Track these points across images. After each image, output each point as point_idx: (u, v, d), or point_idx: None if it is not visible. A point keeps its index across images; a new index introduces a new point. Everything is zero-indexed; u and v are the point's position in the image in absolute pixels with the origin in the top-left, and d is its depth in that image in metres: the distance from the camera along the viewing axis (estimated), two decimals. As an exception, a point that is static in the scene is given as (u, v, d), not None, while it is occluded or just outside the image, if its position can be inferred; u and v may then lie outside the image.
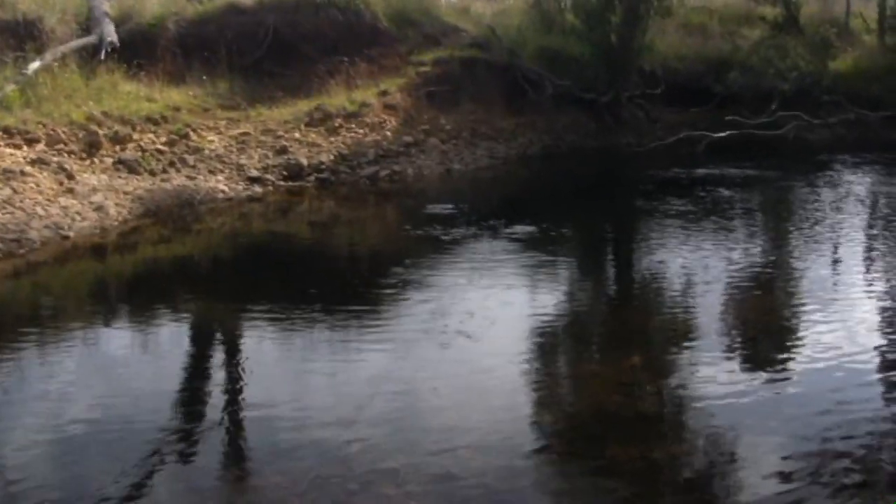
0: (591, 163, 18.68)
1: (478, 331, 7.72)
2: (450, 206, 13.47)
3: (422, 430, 5.75)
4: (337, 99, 17.19)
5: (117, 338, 8.07)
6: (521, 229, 11.74)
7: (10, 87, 14.45)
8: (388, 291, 9.23)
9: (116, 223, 11.79)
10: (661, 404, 6.30)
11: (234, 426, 6.11)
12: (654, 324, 8.24)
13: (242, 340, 8.10)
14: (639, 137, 20.25)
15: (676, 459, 5.43)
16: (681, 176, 16.41)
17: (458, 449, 5.42)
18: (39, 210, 11.37)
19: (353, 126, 16.65)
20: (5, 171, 12.06)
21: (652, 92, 21.51)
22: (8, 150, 12.91)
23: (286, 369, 7.09)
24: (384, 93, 17.80)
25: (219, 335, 8.42)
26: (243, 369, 7.19)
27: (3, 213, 10.96)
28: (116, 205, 12.20)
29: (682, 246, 11.10)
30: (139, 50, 17.02)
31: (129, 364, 7.38)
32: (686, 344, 7.42)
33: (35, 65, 15.16)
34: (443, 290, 9.06)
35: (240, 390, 6.74)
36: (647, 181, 16.31)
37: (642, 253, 11.38)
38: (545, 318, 8.18)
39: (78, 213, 11.64)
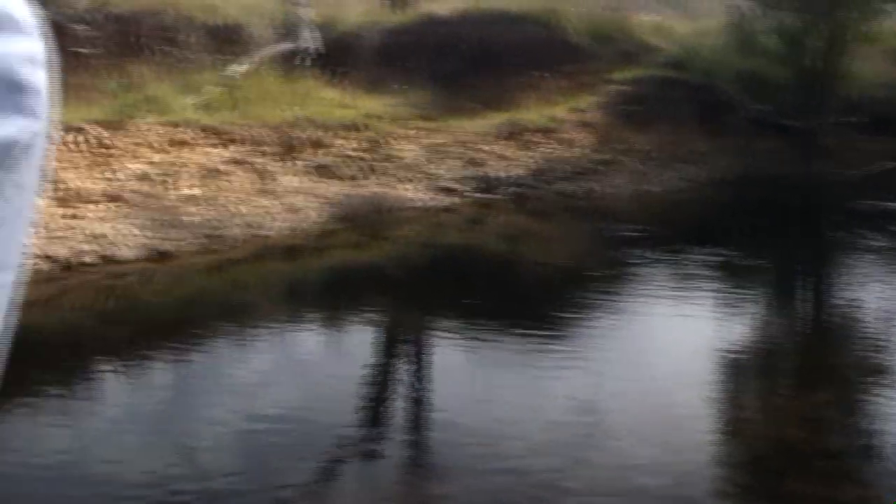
0: (788, 190, 18.02)
1: (663, 356, 7.58)
2: (640, 227, 13.16)
3: (601, 451, 5.71)
4: (531, 113, 17.07)
5: (307, 337, 8.27)
6: (713, 256, 11.39)
7: (215, 90, 14.89)
8: (575, 311, 9.15)
9: (310, 225, 11.95)
10: (846, 442, 6.07)
11: (415, 434, 6.15)
12: (847, 361, 7.95)
13: (428, 350, 8.18)
14: (839, 166, 19.41)
15: (860, 500, 5.24)
16: (885, 208, 15.66)
17: (637, 473, 5.34)
18: (238, 209, 11.61)
19: (547, 141, 16.49)
20: (209, 169, 12.39)
21: (854, 120, 20.63)
22: (211, 150, 13.27)
23: (469, 381, 7.12)
24: (579, 109, 17.59)
25: (405, 342, 8.52)
26: (427, 378, 7.28)
27: (203, 210, 11.23)
28: (311, 207, 12.38)
29: (883, 283, 10.56)
30: (339, 57, 17.28)
31: (317, 364, 7.52)
32: (878, 383, 7.09)
33: (239, 68, 15.61)
34: (630, 313, 8.92)
35: (422, 398, 6.82)
36: (846, 212, 15.62)
37: (839, 287, 10.91)
38: (734, 348, 7.92)
39: (274, 213, 11.85)
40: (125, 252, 9.80)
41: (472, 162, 15.23)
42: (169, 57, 15.75)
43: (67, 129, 12.46)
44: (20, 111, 0.48)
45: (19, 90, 0.48)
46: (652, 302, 9.27)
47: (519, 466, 5.39)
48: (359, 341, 8.18)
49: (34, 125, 0.49)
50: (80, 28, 14.72)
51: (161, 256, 10.03)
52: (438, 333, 8.44)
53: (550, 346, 7.76)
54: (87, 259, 9.50)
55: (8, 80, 0.47)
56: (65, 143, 12.10)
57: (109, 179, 11.44)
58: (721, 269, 10.88)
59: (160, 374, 7.15)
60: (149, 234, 10.35)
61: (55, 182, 11.33)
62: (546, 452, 5.57)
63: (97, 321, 8.54)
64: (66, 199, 10.81)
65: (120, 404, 6.55)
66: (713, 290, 10.01)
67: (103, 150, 12.06)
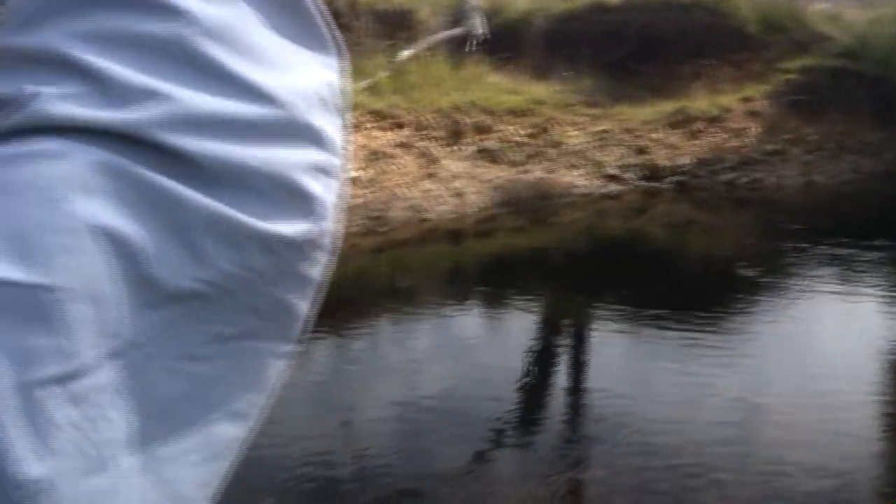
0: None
1: (828, 355, 7.39)
2: (808, 219, 12.89)
3: (753, 445, 5.66)
4: (699, 102, 16.84)
5: (468, 321, 8.35)
6: (882, 251, 11.04)
7: (382, 74, 15.17)
8: (738, 305, 8.97)
9: (474, 210, 12.08)
10: None
11: (573, 417, 6.17)
12: None
13: (589, 335, 8.22)
14: None
15: None
16: None
17: (788, 470, 5.27)
18: (402, 192, 11.81)
19: (715, 130, 16.25)
20: (373, 152, 12.63)
21: None
22: (376, 133, 13.53)
23: (626, 373, 7.07)
24: (747, 98, 17.25)
25: (567, 328, 8.56)
26: (585, 367, 7.30)
27: (368, 192, 11.46)
28: (475, 192, 12.49)
29: None
30: (505, 43, 17.37)
31: (477, 346, 7.59)
32: None
33: (406, 53, 15.86)
34: (795, 309, 8.66)
35: (582, 384, 6.86)
36: None
37: None
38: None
39: (438, 197, 12.00)
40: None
41: (638, 150, 15.14)
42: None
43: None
44: (302, 216, 0.49)
45: (302, 197, 0.49)
46: (818, 297, 9.05)
47: (671, 459, 5.38)
48: (518, 327, 8.25)
49: (316, 227, 0.50)
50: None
51: (325, 237, 10.32)
52: (598, 322, 8.45)
53: (711, 340, 7.66)
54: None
55: (289, 187, 0.48)
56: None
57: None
58: (891, 264, 10.55)
59: (320, 353, 7.33)
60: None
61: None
62: (700, 447, 5.54)
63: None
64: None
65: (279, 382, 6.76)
66: (881, 287, 9.72)
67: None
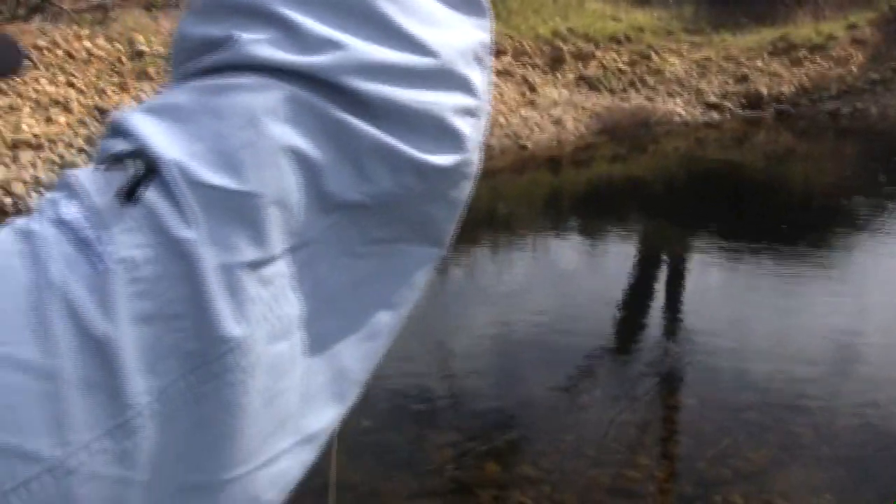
0: None
1: None
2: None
3: (848, 378, 5.69)
4: (803, 29, 16.58)
5: (566, 249, 8.41)
6: None
7: (483, 0, 15.18)
8: (838, 236, 8.94)
9: (573, 138, 12.15)
10: None
11: (666, 347, 6.25)
12: None
13: (687, 266, 8.24)
14: None
15: None
16: None
17: (879, 401, 5.28)
18: (501, 119, 11.92)
19: (818, 58, 16.02)
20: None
21: None
22: (479, 60, 13.63)
23: (727, 310, 7.03)
24: (853, 26, 16.92)
25: (665, 258, 8.55)
26: (684, 295, 7.31)
27: (469, 120, 11.62)
28: (574, 120, 12.57)
29: None
30: (606, -31, 17.24)
31: (574, 275, 7.70)
32: None
33: (508, -21, 15.82)
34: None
35: (677, 314, 6.90)
36: None
37: None
38: None
39: (537, 124, 12.11)
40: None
41: (739, 78, 15.02)
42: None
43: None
44: (451, 149, 0.58)
45: (453, 134, 0.58)
46: None
47: (764, 386, 5.45)
48: (615, 254, 8.35)
49: (463, 159, 0.60)
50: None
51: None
52: (696, 252, 8.51)
53: (814, 280, 7.64)
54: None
55: (442, 125, 0.57)
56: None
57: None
58: None
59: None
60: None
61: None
62: (791, 378, 5.59)
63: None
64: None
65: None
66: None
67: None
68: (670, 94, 14.17)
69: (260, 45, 0.54)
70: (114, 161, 0.51)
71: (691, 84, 14.65)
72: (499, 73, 13.31)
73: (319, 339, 0.55)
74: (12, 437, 0.43)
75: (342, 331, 0.57)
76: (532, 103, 12.79)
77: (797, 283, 7.46)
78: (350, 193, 0.55)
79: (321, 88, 0.54)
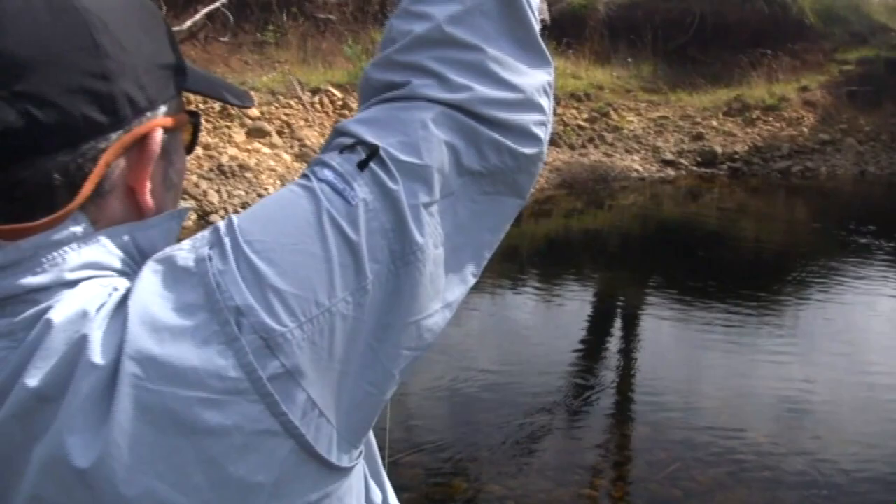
0: None
1: (869, 347, 7.50)
2: (861, 209, 13.18)
3: (790, 413, 5.95)
4: (757, 91, 17.13)
5: (522, 299, 8.56)
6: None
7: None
8: (789, 295, 9.08)
9: (532, 190, 12.40)
10: None
11: (620, 386, 6.45)
12: None
13: (641, 320, 8.32)
14: None
15: None
16: None
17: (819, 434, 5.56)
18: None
19: (771, 119, 16.55)
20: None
21: None
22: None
23: (678, 354, 7.27)
24: (804, 88, 17.51)
25: (619, 311, 8.67)
26: (638, 348, 7.46)
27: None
28: (535, 173, 12.85)
29: None
30: (568, 28, 17.65)
31: (530, 325, 7.85)
32: None
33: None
34: (846, 300, 8.75)
35: (630, 367, 6.98)
36: None
37: None
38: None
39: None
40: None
41: (695, 136, 15.49)
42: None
43: (312, 91, 13.35)
44: (533, 145, 1.01)
45: (533, 136, 1.00)
46: (868, 289, 9.14)
47: (712, 419, 5.73)
48: (572, 308, 8.47)
49: (538, 152, 1.02)
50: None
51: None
52: (653, 304, 8.64)
53: (762, 329, 7.82)
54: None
55: (528, 131, 1.00)
56: (309, 104, 12.98)
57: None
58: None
59: None
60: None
61: (299, 139, 12.19)
62: (737, 413, 5.85)
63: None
64: (304, 154, 11.71)
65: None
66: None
67: (344, 111, 12.97)
68: (628, 151, 14.61)
69: (426, 87, 0.96)
70: (348, 148, 0.93)
71: (648, 141, 15.11)
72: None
73: (456, 246, 0.96)
74: (309, 292, 0.85)
75: (467, 243, 0.98)
76: (494, 156, 13.08)
77: (745, 332, 7.66)
78: (475, 166, 0.96)
79: (461, 111, 0.95)
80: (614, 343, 7.54)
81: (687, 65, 17.75)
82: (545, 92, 1.02)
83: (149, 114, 0.94)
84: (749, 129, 16.16)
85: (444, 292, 0.96)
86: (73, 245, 0.88)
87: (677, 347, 7.44)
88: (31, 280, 0.86)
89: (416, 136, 0.93)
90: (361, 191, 0.89)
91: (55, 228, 0.87)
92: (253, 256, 0.85)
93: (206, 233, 0.89)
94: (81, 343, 0.82)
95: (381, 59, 1.01)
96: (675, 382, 6.47)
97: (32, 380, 0.82)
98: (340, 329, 0.86)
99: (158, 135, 0.95)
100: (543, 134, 1.01)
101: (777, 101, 16.91)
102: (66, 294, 0.86)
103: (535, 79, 1.01)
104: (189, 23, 13.55)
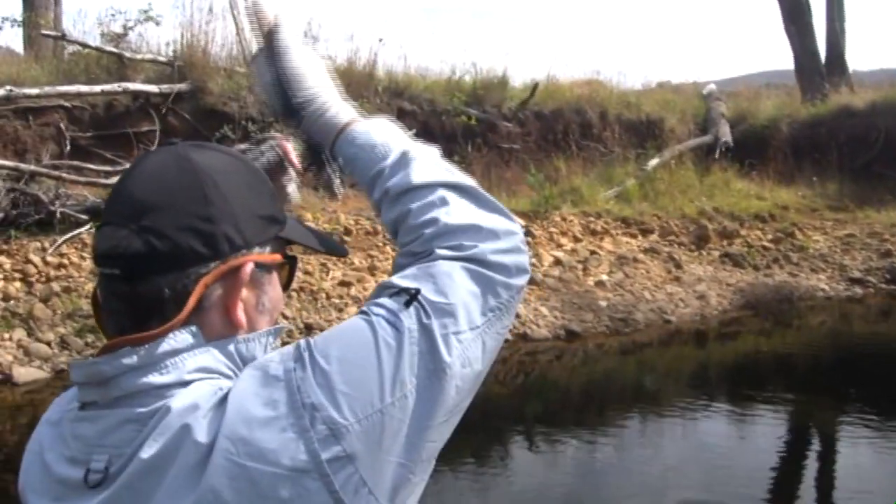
0: None
1: None
2: None
3: None
4: (948, 205, 16.55)
5: (713, 423, 8.48)
6: None
7: (631, 182, 15.82)
8: None
9: (716, 312, 12.32)
10: None
11: None
12: None
13: (840, 443, 8.17)
14: None
15: None
16: None
17: None
18: (647, 294, 12.31)
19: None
20: (620, 257, 13.27)
21: None
22: (624, 239, 14.20)
23: (881, 482, 6.96)
24: None
25: (815, 435, 8.56)
26: (837, 475, 7.34)
27: (614, 295, 12.04)
28: (718, 295, 12.80)
29: None
30: (751, 150, 17.66)
31: (723, 451, 7.73)
32: None
33: (654, 161, 16.48)
34: None
35: (829, 495, 6.94)
36: None
37: None
38: None
39: (681, 300, 12.39)
40: (538, 331, 10.82)
41: (883, 253, 15.02)
42: (588, 151, 16.91)
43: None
44: (521, 277, 1.35)
45: (523, 270, 1.35)
46: None
47: None
48: (763, 431, 8.32)
49: (523, 282, 1.36)
50: (508, 126, 16.29)
51: (570, 336, 10.92)
52: (850, 431, 8.31)
53: None
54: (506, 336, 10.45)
55: (521, 266, 1.35)
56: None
57: (533, 266, 12.49)
58: None
59: (565, 449, 7.75)
60: (560, 315, 11.29)
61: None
62: None
63: (511, 393, 9.38)
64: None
65: (526, 474, 7.19)
66: None
67: (528, 238, 13.23)
68: (814, 270, 14.30)
69: (445, 251, 1.30)
70: (395, 293, 1.23)
71: (835, 259, 14.75)
72: (645, 251, 13.83)
73: (476, 356, 1.25)
74: (367, 396, 1.14)
75: (489, 346, 1.27)
76: (677, 279, 13.13)
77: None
78: (493, 302, 1.28)
79: (476, 262, 1.28)
80: (811, 469, 7.49)
81: (873, 181, 17.33)
82: (517, 235, 1.36)
83: (244, 251, 1.24)
84: (941, 246, 15.55)
85: (462, 402, 1.25)
86: (190, 352, 1.18)
87: (879, 474, 7.16)
88: (158, 379, 1.16)
89: (443, 284, 1.24)
90: (408, 321, 1.19)
91: (173, 335, 1.18)
92: (326, 367, 1.14)
93: (290, 348, 1.19)
94: (190, 427, 1.11)
95: (405, 251, 1.36)
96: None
97: (146, 452, 1.12)
98: (388, 426, 1.14)
99: (249, 267, 1.24)
100: (528, 265, 1.35)
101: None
102: (183, 391, 1.16)
103: (508, 224, 1.36)
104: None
